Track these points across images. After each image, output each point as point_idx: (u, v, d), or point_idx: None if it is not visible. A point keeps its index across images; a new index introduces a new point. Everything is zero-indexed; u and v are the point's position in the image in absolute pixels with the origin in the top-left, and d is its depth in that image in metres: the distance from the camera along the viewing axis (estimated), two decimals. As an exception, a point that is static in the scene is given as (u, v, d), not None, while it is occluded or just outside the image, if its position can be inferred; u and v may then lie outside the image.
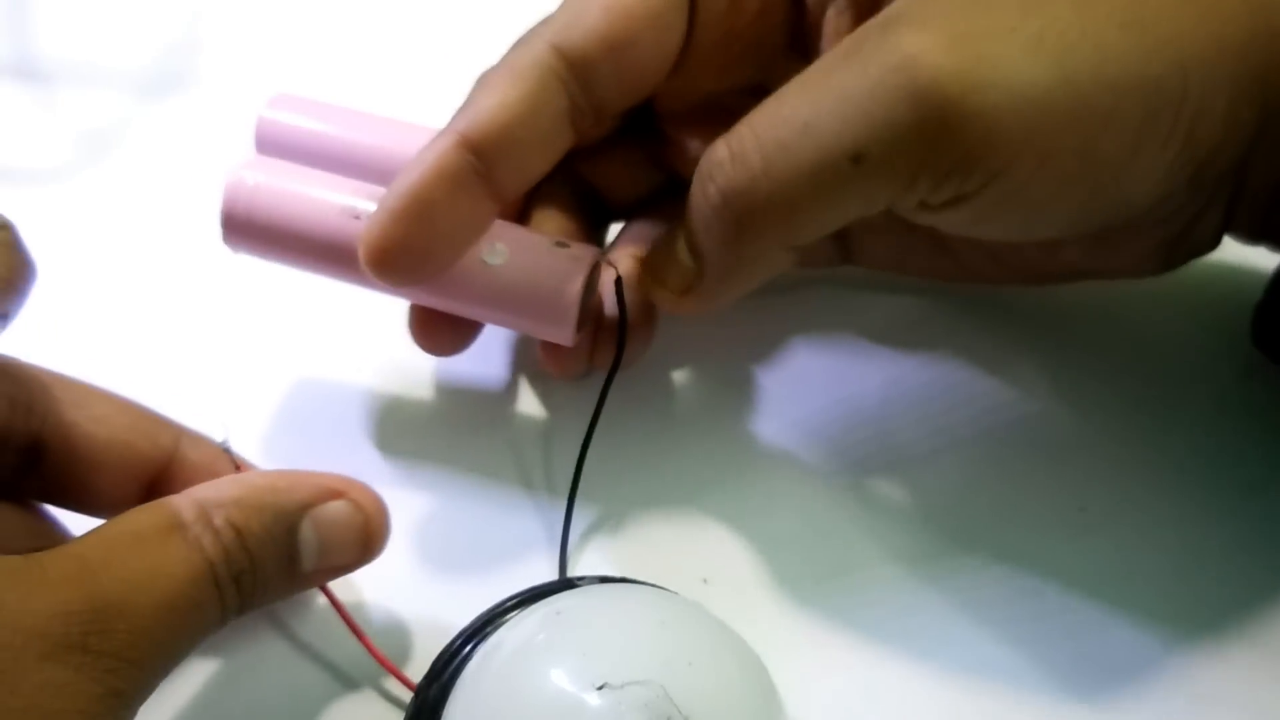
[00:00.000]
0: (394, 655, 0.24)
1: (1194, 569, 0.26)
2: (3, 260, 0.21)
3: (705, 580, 0.26)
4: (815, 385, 0.30)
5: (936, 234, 0.26)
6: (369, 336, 0.31)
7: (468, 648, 0.23)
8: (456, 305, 0.25)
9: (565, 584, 0.24)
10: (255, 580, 0.20)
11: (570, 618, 0.21)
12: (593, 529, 0.27)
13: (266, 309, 0.32)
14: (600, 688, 0.19)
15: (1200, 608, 0.25)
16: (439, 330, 0.26)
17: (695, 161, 0.22)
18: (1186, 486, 0.27)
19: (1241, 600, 0.25)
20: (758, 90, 0.25)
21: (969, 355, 0.30)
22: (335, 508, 0.22)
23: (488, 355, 0.30)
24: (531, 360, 0.29)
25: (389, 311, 0.28)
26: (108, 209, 0.35)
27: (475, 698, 0.21)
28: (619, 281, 0.25)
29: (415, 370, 0.30)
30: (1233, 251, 0.27)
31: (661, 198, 0.28)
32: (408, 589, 0.26)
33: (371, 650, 0.23)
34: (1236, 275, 0.31)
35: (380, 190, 0.24)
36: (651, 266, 0.24)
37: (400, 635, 0.25)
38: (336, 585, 0.24)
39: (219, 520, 0.20)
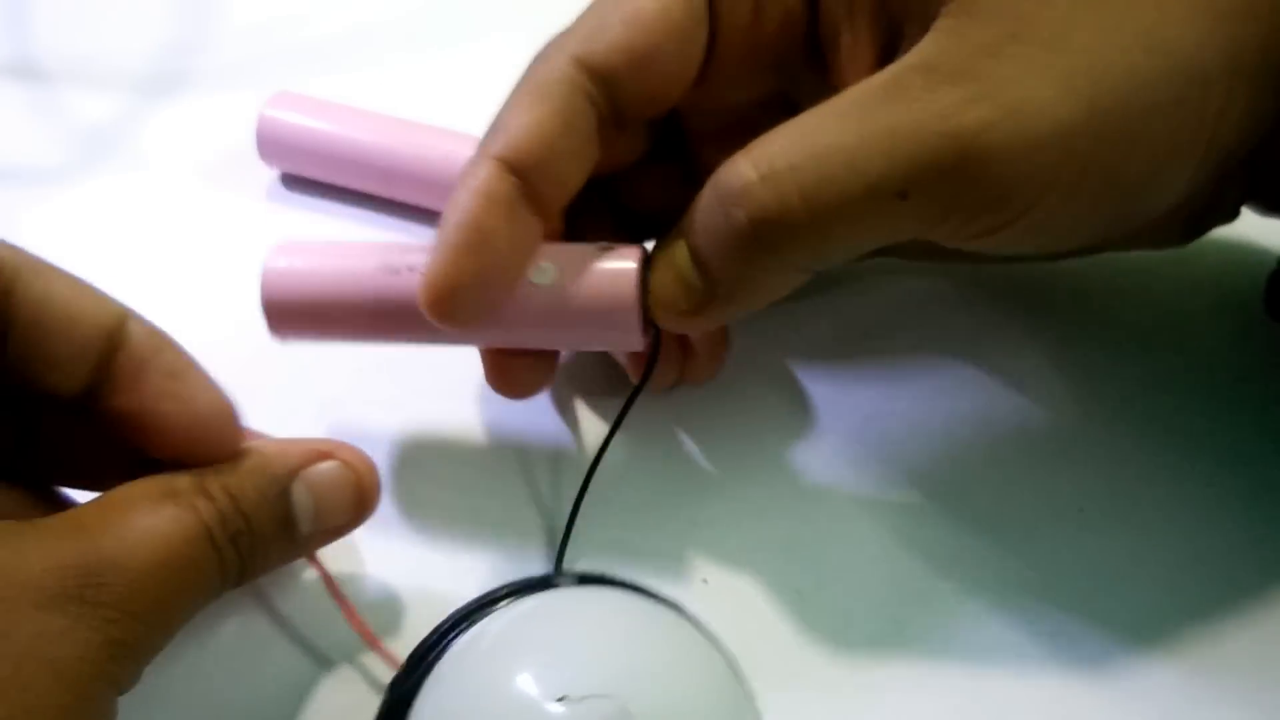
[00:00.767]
0: (385, 636, 0.24)
1: (1194, 569, 0.26)
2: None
3: (705, 580, 0.26)
4: (814, 385, 0.30)
5: None
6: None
7: (443, 642, 0.23)
8: (520, 336, 0.24)
9: (543, 581, 0.24)
10: (252, 541, 0.21)
11: (539, 621, 0.22)
12: (594, 527, 0.27)
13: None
14: (561, 699, 0.19)
15: (1200, 608, 0.25)
16: (514, 372, 0.26)
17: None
18: (1186, 486, 0.27)
19: (1242, 600, 0.25)
20: (783, 102, 0.25)
21: (968, 355, 0.30)
22: (326, 468, 0.22)
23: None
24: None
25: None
26: (108, 209, 0.35)
27: (441, 699, 0.21)
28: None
29: (435, 372, 0.30)
30: (1240, 229, 0.27)
31: None
32: (404, 571, 0.26)
33: (363, 630, 0.23)
34: (1245, 255, 0.31)
35: (410, 242, 0.24)
36: (652, 282, 0.23)
37: (392, 616, 0.25)
38: (334, 565, 0.24)
39: (213, 488, 0.21)
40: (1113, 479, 0.27)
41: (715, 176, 0.22)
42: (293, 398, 0.30)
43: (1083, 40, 0.20)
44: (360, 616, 0.24)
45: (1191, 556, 0.26)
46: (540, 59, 0.23)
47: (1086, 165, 0.20)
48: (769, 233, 0.21)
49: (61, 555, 0.18)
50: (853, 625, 0.25)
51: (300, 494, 0.22)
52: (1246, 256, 0.31)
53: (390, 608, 0.26)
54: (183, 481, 0.21)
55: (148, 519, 0.20)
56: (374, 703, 0.23)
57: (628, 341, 0.24)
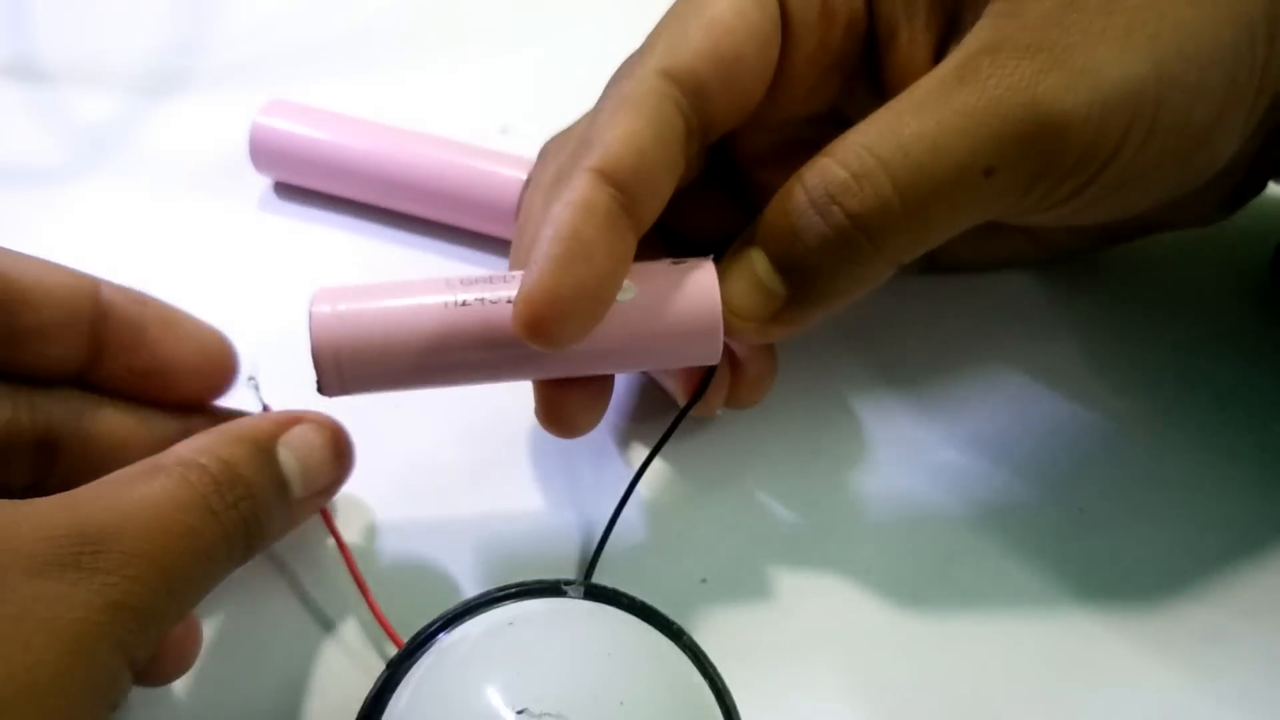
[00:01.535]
0: (400, 616, 0.24)
1: (1194, 569, 0.26)
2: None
3: (705, 580, 0.26)
4: (814, 386, 0.30)
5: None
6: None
7: (440, 632, 0.23)
8: (600, 360, 0.23)
9: (553, 587, 0.24)
10: (254, 506, 0.21)
11: (520, 631, 0.22)
12: (594, 526, 0.27)
13: (267, 309, 0.32)
14: (520, 712, 0.19)
15: (1200, 608, 0.25)
16: (568, 407, 0.25)
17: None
18: (1187, 486, 0.27)
19: (1242, 600, 0.25)
20: (835, 120, 0.25)
21: (968, 357, 0.30)
22: (302, 430, 0.23)
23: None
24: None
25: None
26: (105, 211, 0.35)
27: (418, 692, 0.21)
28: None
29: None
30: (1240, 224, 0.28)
31: None
32: (428, 559, 0.27)
33: (372, 605, 0.24)
34: (1245, 254, 0.31)
35: (465, 275, 0.23)
36: (725, 295, 0.23)
37: (410, 597, 0.25)
38: (357, 540, 0.25)
39: (203, 458, 0.21)
40: (1113, 479, 0.27)
41: (801, 180, 0.22)
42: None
43: (1133, 0, 0.21)
44: (372, 594, 0.24)
45: (1192, 556, 0.26)
46: (623, 75, 0.23)
47: (1156, 115, 0.21)
48: (874, 225, 0.21)
49: (55, 525, 0.18)
50: (852, 626, 0.25)
51: (286, 458, 0.22)
52: (1252, 245, 0.31)
53: (409, 589, 0.26)
54: (170, 456, 0.21)
55: (139, 490, 0.20)
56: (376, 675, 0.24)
57: (708, 353, 0.23)
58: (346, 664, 0.25)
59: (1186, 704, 0.24)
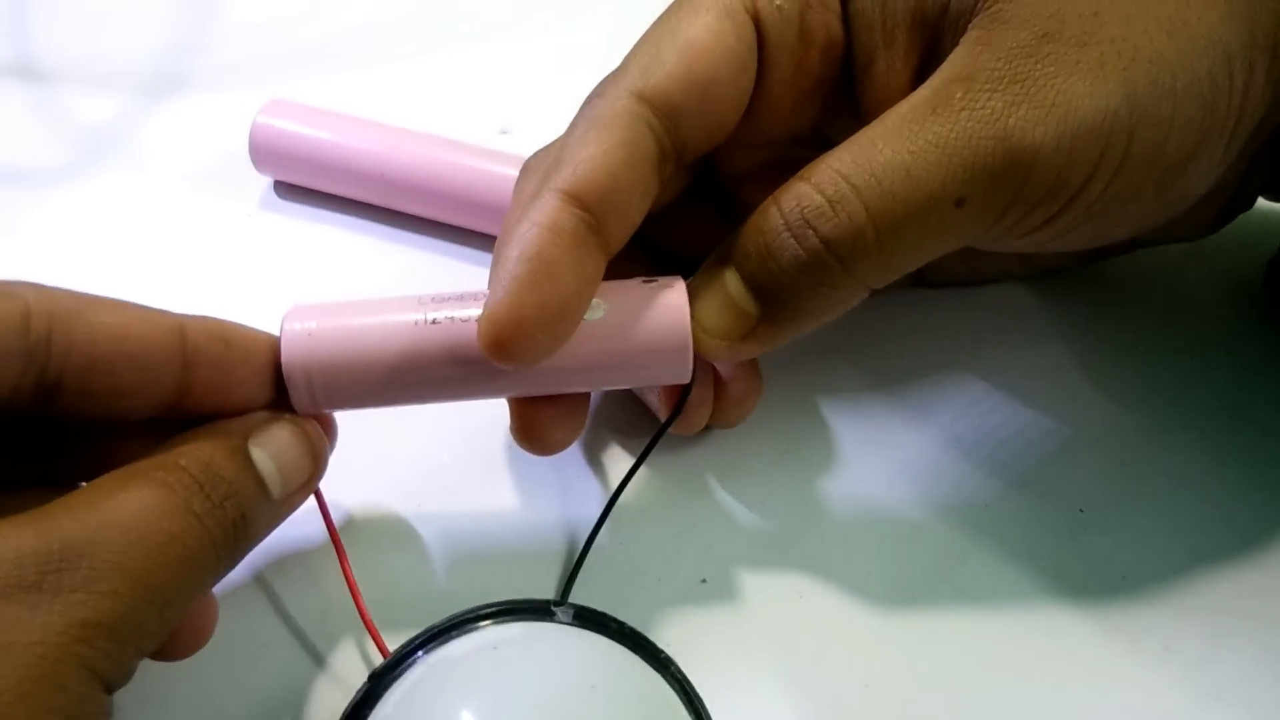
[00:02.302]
0: (388, 627, 0.24)
1: (1194, 569, 0.26)
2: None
3: (705, 580, 0.26)
4: (814, 387, 0.30)
5: None
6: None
7: (422, 650, 0.23)
8: (570, 379, 0.24)
9: (543, 608, 0.24)
10: (240, 504, 0.21)
11: (504, 656, 0.22)
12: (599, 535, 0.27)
13: (268, 308, 0.32)
14: None
15: (1200, 608, 0.25)
16: (543, 425, 0.25)
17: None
18: (1187, 486, 0.27)
19: (1242, 600, 0.25)
20: (818, 139, 0.25)
21: (968, 358, 0.30)
22: (272, 429, 0.22)
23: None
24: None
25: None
26: (105, 211, 0.35)
27: (396, 713, 0.21)
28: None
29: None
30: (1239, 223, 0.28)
31: None
32: (421, 571, 0.26)
33: (363, 614, 0.23)
34: (1243, 252, 0.31)
35: (437, 293, 0.23)
36: (697, 313, 0.23)
37: (392, 605, 0.25)
38: (352, 549, 0.24)
39: (182, 460, 0.20)
40: (1113, 479, 0.27)
41: (777, 203, 0.22)
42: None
43: (1110, 32, 0.21)
44: (362, 597, 0.24)
45: (1192, 556, 0.26)
46: (597, 95, 0.23)
47: (1128, 147, 0.21)
48: (843, 252, 0.21)
49: (19, 546, 0.18)
50: (852, 627, 0.25)
51: (259, 457, 0.22)
52: (1245, 250, 0.31)
53: (398, 594, 0.26)
54: (147, 462, 0.20)
55: (114, 500, 0.19)
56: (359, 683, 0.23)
57: (678, 372, 0.23)
58: (332, 668, 0.25)
59: (1186, 704, 0.24)
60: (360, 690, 0.22)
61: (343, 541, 0.24)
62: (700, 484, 0.28)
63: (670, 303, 0.23)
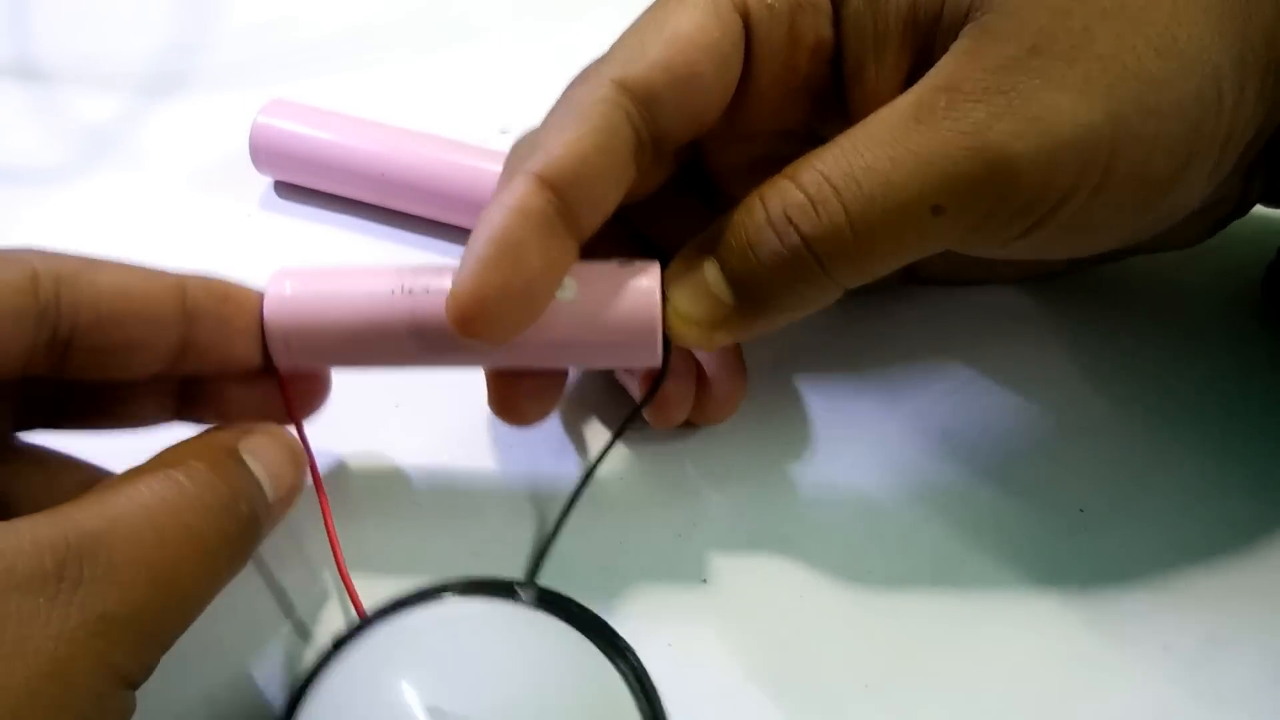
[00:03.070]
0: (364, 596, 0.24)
1: (1194, 569, 0.26)
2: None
3: (705, 580, 0.26)
4: (814, 387, 0.30)
5: None
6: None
7: (386, 617, 0.23)
8: (540, 355, 0.24)
9: (507, 586, 0.24)
10: (250, 503, 0.21)
11: (458, 631, 0.22)
12: (593, 524, 0.27)
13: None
14: (431, 709, 0.20)
15: (1200, 608, 0.25)
16: (519, 398, 0.26)
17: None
18: (1187, 486, 0.27)
19: (1242, 600, 0.25)
20: (809, 136, 0.25)
21: (968, 358, 0.30)
22: (257, 438, 0.23)
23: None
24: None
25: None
26: (105, 211, 0.35)
27: (345, 677, 0.22)
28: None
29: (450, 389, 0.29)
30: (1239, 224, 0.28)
31: None
32: (403, 544, 0.27)
33: (344, 575, 0.24)
34: (1244, 251, 0.31)
35: (419, 265, 0.24)
36: (672, 298, 0.23)
37: (372, 570, 0.26)
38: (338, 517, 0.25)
39: (191, 459, 0.21)
40: (1113, 479, 0.27)
41: (762, 197, 0.22)
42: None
43: (1099, 49, 0.21)
44: (342, 556, 0.24)
45: (1192, 556, 0.26)
46: (578, 82, 0.24)
47: (1110, 166, 0.21)
48: (823, 250, 0.22)
49: (37, 537, 0.18)
50: (853, 627, 0.25)
51: (250, 461, 0.22)
52: (1245, 253, 0.31)
53: (377, 559, 0.26)
54: (155, 463, 0.21)
55: (129, 496, 0.20)
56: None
57: (647, 355, 0.24)
58: (309, 629, 0.25)
59: (1186, 704, 0.24)
60: (324, 654, 0.23)
61: (331, 513, 0.25)
62: (700, 484, 0.28)
63: (642, 286, 0.23)
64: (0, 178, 0.36)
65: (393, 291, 0.24)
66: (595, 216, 0.23)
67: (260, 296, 0.24)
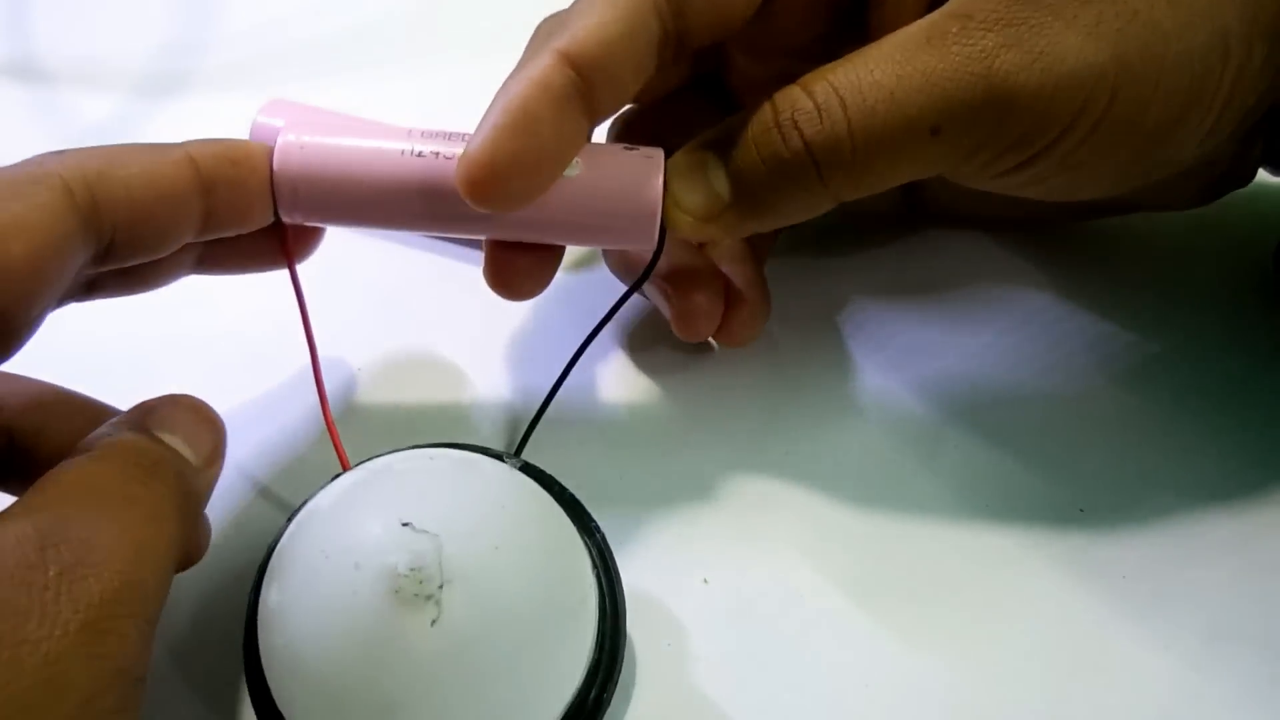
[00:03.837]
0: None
1: (1194, 569, 0.26)
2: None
3: (705, 580, 0.26)
4: (811, 388, 0.30)
5: None
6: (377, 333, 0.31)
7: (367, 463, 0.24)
8: (540, 229, 0.25)
9: (495, 454, 0.25)
10: (175, 467, 0.21)
11: (435, 467, 0.23)
12: (600, 514, 0.27)
13: (267, 307, 0.32)
14: (406, 524, 0.20)
15: (1201, 607, 0.25)
16: (515, 273, 0.26)
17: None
18: (1188, 486, 0.27)
19: (1243, 600, 0.25)
20: (829, 58, 0.26)
21: (968, 358, 0.30)
22: (160, 413, 0.22)
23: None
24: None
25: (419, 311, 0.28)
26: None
27: (327, 497, 0.22)
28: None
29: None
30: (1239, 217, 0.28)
31: None
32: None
33: (331, 428, 0.25)
34: (1243, 249, 0.31)
35: (426, 129, 0.24)
36: (672, 187, 0.24)
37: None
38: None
39: (103, 443, 0.21)
40: (1113, 479, 0.27)
41: (772, 101, 0.23)
42: (289, 393, 0.30)
43: None
44: (330, 413, 0.25)
45: (1192, 556, 0.26)
46: None
47: (1109, 107, 0.22)
48: (823, 157, 0.22)
49: (15, 530, 0.18)
50: (853, 627, 0.25)
51: (165, 436, 0.22)
52: (1245, 249, 0.31)
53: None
54: (72, 459, 0.20)
55: (72, 482, 0.19)
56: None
57: (644, 237, 0.24)
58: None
59: (1186, 704, 0.24)
60: (313, 493, 0.23)
61: (325, 385, 0.25)
62: (700, 484, 0.28)
63: (645, 169, 0.24)
64: None
65: (403, 152, 0.24)
66: (612, 101, 0.24)
67: (265, 149, 0.24)
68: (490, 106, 0.23)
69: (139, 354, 0.31)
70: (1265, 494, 0.27)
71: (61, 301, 0.23)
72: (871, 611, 0.25)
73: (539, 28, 0.26)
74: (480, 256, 0.26)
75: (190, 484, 0.22)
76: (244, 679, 0.23)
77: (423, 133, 0.24)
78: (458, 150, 0.23)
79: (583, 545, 0.23)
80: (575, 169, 0.24)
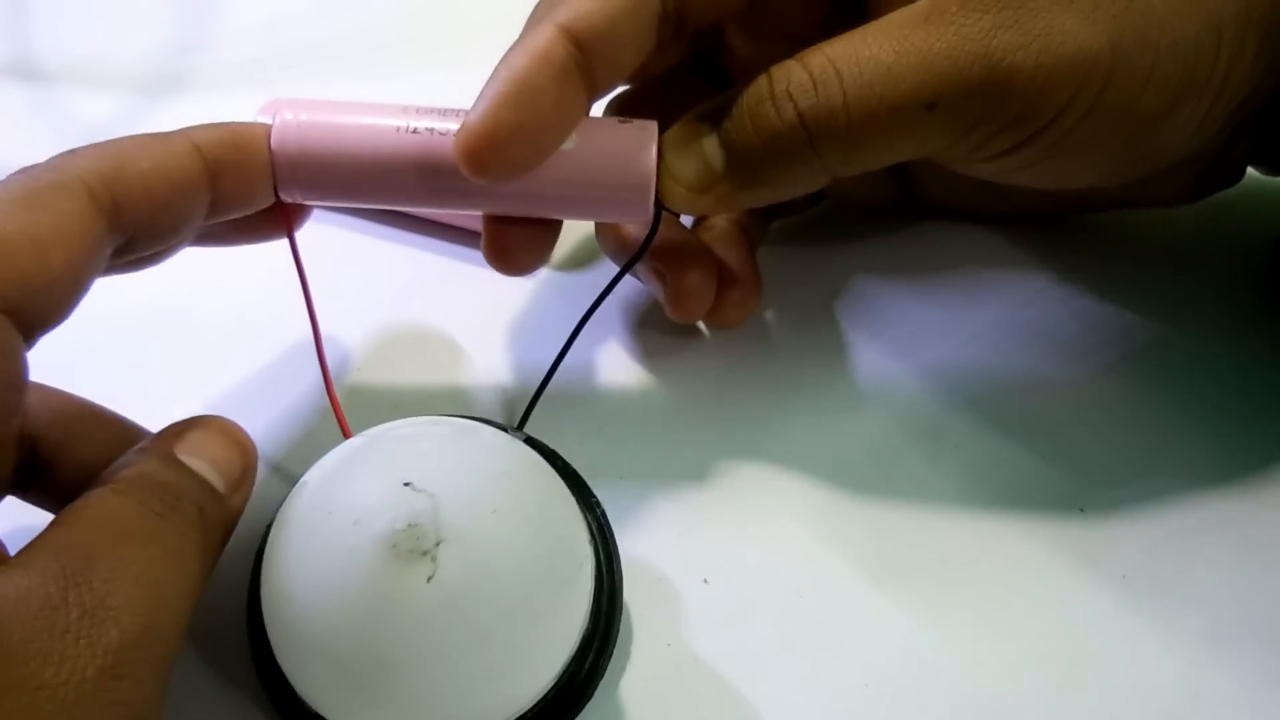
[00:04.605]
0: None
1: (1194, 569, 0.26)
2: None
3: (705, 580, 0.26)
4: (810, 388, 0.30)
5: None
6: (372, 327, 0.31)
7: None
8: (536, 203, 0.25)
9: (496, 425, 0.25)
10: (196, 501, 0.21)
11: (437, 435, 0.23)
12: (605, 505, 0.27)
13: (267, 307, 0.32)
14: (406, 484, 0.21)
15: (1201, 608, 0.25)
16: (515, 248, 0.26)
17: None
18: (1188, 486, 0.27)
19: (1244, 600, 0.25)
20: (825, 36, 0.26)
21: (968, 358, 0.30)
22: (189, 434, 0.22)
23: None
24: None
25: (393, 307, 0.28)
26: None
27: (331, 460, 0.23)
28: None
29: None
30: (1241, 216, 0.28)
31: None
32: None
33: (331, 396, 0.25)
34: (1243, 249, 0.32)
35: (421, 105, 0.25)
36: (666, 159, 0.24)
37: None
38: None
39: (122, 474, 0.20)
40: (1113, 479, 0.27)
41: (769, 75, 0.23)
42: (293, 368, 0.30)
43: None
44: (334, 388, 0.26)
45: (1192, 556, 0.26)
46: None
47: (1103, 91, 0.22)
48: (818, 130, 0.23)
49: (41, 567, 0.17)
50: (852, 626, 0.25)
51: (190, 461, 0.22)
52: (1242, 248, 0.31)
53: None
54: (91, 493, 0.20)
55: (92, 516, 0.19)
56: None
57: (639, 210, 0.25)
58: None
59: (1186, 704, 0.24)
60: (320, 460, 0.24)
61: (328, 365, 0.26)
62: (700, 484, 0.28)
63: (638, 140, 0.24)
64: (0, 178, 0.36)
65: (399, 129, 0.24)
66: (612, 76, 0.24)
67: (264, 129, 0.24)
68: (490, 78, 0.23)
69: (135, 331, 0.31)
70: (1265, 493, 0.27)
71: None
72: (871, 610, 0.25)
73: (540, 2, 0.26)
74: (479, 256, 0.26)
75: (215, 514, 0.21)
76: (247, 638, 0.23)
77: (419, 109, 0.25)
78: (453, 126, 0.24)
79: (581, 516, 0.23)
80: (570, 142, 0.24)
